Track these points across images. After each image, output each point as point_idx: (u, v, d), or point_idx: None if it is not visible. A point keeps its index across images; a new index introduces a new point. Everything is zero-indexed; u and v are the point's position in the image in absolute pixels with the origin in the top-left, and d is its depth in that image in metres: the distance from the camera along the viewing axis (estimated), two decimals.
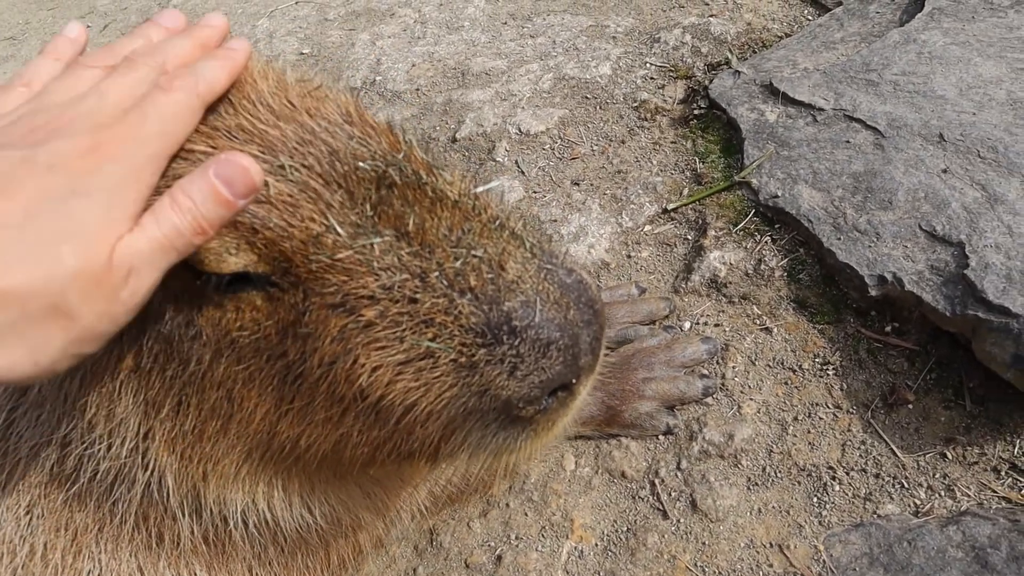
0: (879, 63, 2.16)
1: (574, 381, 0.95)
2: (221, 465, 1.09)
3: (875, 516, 1.44)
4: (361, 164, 0.92)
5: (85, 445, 1.07)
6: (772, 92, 2.22)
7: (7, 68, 4.21)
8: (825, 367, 1.67)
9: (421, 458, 1.03)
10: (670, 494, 1.55)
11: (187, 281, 0.92)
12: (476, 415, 0.94)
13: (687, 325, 1.82)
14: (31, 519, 1.20)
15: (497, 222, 0.97)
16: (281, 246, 0.89)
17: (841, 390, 1.63)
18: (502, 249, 0.93)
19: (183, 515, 1.16)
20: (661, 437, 1.64)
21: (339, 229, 0.89)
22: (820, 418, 1.60)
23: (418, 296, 0.89)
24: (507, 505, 1.61)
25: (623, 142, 2.31)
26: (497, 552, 1.54)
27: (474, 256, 0.91)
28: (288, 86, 1.00)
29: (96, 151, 0.72)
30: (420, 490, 1.46)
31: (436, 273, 0.90)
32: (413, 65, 2.94)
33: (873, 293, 1.67)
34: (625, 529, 1.53)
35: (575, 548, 1.52)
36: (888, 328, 1.68)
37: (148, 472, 1.08)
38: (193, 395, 1.01)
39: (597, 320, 0.96)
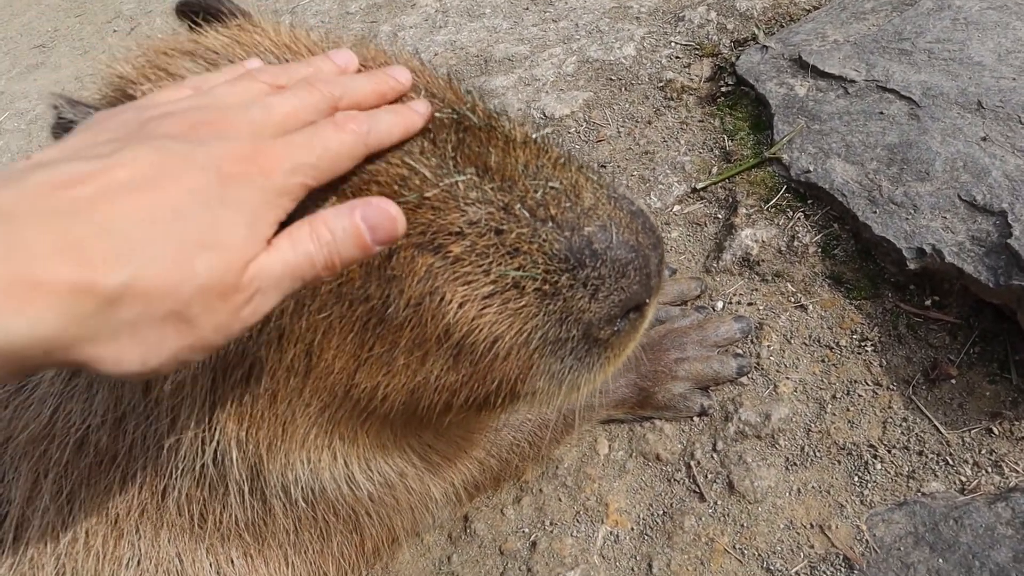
0: (912, 31, 2.10)
1: (647, 301, 1.00)
2: (291, 428, 1.09)
3: (919, 494, 1.40)
4: (438, 113, 0.95)
5: (148, 421, 1.08)
6: (801, 66, 2.16)
7: (38, 75, 4.27)
8: (863, 343, 1.62)
9: (497, 400, 1.03)
10: (706, 476, 1.52)
11: None
12: (555, 345, 0.97)
13: (720, 305, 1.78)
14: (72, 505, 1.20)
15: (564, 159, 1.01)
16: (369, 191, 0.90)
17: (880, 366, 1.58)
18: (574, 181, 0.97)
19: (237, 492, 1.16)
20: (696, 419, 1.61)
21: (426, 170, 0.92)
22: (859, 395, 1.56)
23: (503, 227, 0.92)
24: (540, 491, 1.59)
25: (649, 123, 2.27)
26: (532, 538, 1.52)
27: (551, 187, 0.95)
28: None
29: (252, 161, 0.70)
30: (466, 465, 1.45)
31: (519, 205, 0.93)
32: (435, 55, 2.93)
33: (912, 266, 1.62)
34: (661, 512, 1.50)
35: (610, 533, 1.49)
36: (928, 302, 1.62)
37: (212, 444, 1.08)
38: (269, 355, 1.01)
39: (660, 245, 1.01)
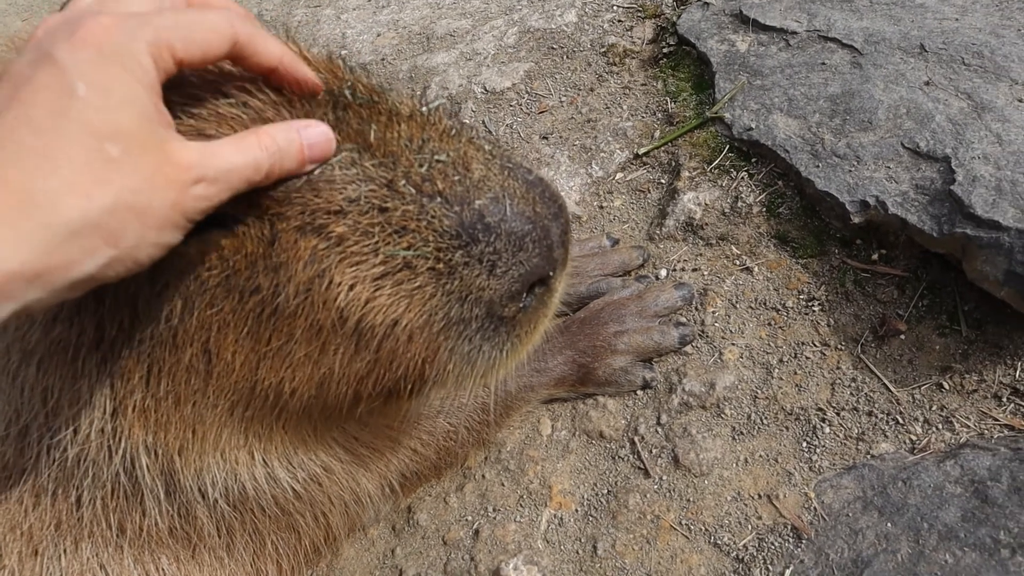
0: None
1: (551, 274, 0.96)
2: (200, 430, 1.04)
3: (869, 457, 1.34)
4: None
5: (50, 434, 1.02)
6: (742, 20, 2.09)
7: None
8: (810, 303, 1.56)
9: (407, 387, 0.99)
10: (651, 451, 1.46)
11: None
12: (459, 326, 0.93)
13: (663, 273, 1.72)
14: None
15: (453, 130, 0.98)
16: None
17: (828, 326, 1.52)
18: (463, 152, 0.93)
19: (153, 498, 1.11)
20: (639, 392, 1.55)
21: None
22: (807, 358, 1.50)
23: (387, 204, 0.88)
24: (483, 476, 1.53)
25: (592, 90, 2.20)
26: (475, 526, 1.47)
27: (438, 160, 0.91)
28: None
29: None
30: (397, 456, 1.40)
31: (403, 181, 0.89)
32: (378, 35, 2.84)
33: (856, 220, 1.56)
34: (606, 492, 1.44)
35: (554, 516, 1.44)
36: (875, 256, 1.56)
37: (120, 453, 1.03)
38: (166, 356, 0.96)
39: (563, 214, 0.98)
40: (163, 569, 1.25)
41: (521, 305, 0.95)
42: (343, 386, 0.99)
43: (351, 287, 0.90)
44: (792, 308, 1.57)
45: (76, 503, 1.13)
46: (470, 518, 1.48)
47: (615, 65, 2.24)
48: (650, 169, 1.93)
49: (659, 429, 1.48)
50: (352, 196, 0.88)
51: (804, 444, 1.39)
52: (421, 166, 0.90)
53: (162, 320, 0.94)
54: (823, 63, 1.86)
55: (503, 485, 1.51)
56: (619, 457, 1.48)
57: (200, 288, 0.92)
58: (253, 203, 0.88)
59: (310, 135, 0.84)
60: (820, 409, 1.42)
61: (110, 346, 0.96)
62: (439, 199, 0.89)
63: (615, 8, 2.43)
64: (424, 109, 0.99)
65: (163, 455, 1.06)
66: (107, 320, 0.94)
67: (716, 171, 1.82)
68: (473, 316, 0.93)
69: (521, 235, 0.91)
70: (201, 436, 1.06)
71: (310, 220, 0.88)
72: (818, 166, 1.66)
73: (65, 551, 1.17)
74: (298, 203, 0.88)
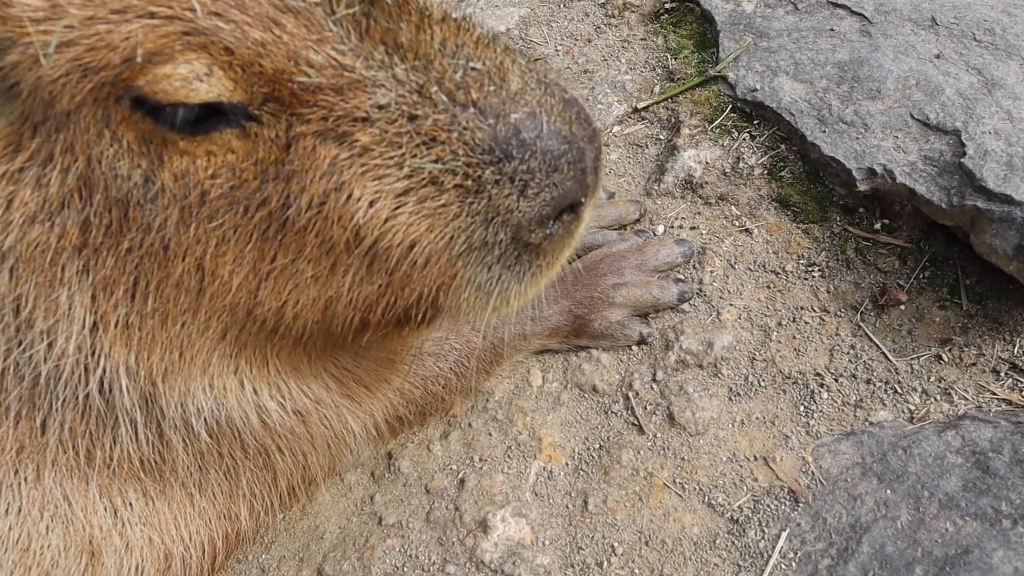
0: None
1: (582, 200, 0.91)
2: (189, 353, 0.98)
3: (867, 424, 1.33)
4: None
5: (21, 347, 0.94)
6: None
7: None
8: (810, 269, 1.54)
9: (418, 316, 0.95)
10: (645, 408, 1.42)
11: (143, 128, 0.81)
12: (480, 251, 0.89)
13: (660, 229, 1.68)
14: None
15: (487, 39, 0.91)
16: (261, 66, 0.78)
17: (828, 292, 1.50)
18: (500, 62, 0.88)
19: (129, 424, 1.03)
20: (634, 347, 1.51)
21: (327, 44, 0.80)
22: (806, 323, 1.48)
23: (418, 112, 0.82)
24: (469, 425, 1.48)
25: (589, 40, 2.14)
26: (460, 476, 1.41)
27: (473, 68, 0.85)
28: None
29: None
30: (386, 395, 1.33)
31: (435, 88, 0.83)
32: None
33: (861, 188, 1.54)
34: (598, 447, 1.40)
35: (544, 468, 1.40)
36: (877, 225, 1.55)
37: (97, 372, 0.95)
38: (155, 270, 0.89)
39: (597, 137, 0.93)
40: (130, 503, 1.18)
41: (548, 232, 0.90)
42: (350, 311, 0.94)
43: (371, 203, 0.84)
44: (791, 272, 1.55)
45: (42, 426, 1.05)
46: (455, 467, 1.43)
47: (614, 18, 2.18)
48: (649, 124, 1.88)
49: (654, 386, 1.44)
50: (381, 102, 0.82)
51: (802, 408, 1.37)
52: (455, 72, 0.84)
53: (154, 228, 0.86)
54: (831, 29, 1.83)
55: (490, 435, 1.46)
56: (612, 412, 1.44)
57: (200, 198, 0.85)
58: (270, 97, 0.81)
59: None
60: (818, 374, 1.40)
61: (94, 252, 0.89)
62: (472, 109, 0.84)
63: None
64: (456, 15, 0.92)
65: (145, 378, 0.98)
66: (93, 221, 0.87)
67: (717, 130, 1.77)
68: (497, 241, 0.88)
69: (557, 155, 0.86)
70: (188, 360, 0.99)
71: (333, 126, 0.82)
72: (824, 131, 1.63)
73: (26, 479, 1.08)
74: (322, 105, 0.81)
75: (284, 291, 0.92)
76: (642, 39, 2.09)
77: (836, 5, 1.88)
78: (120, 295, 0.92)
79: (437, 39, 0.85)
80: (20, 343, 0.95)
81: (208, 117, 0.81)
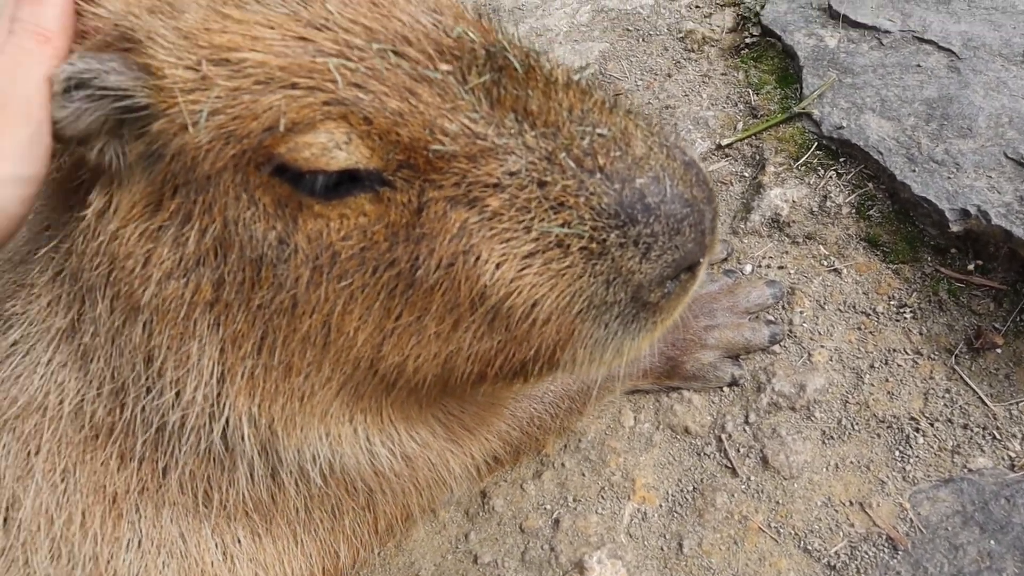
0: None
1: (700, 260, 0.92)
2: (309, 403, 1.02)
3: (965, 470, 1.32)
4: (472, 48, 0.87)
5: (150, 395, 1.00)
6: (831, 15, 2.05)
7: None
8: (902, 310, 1.54)
9: (534, 368, 0.97)
10: (738, 450, 1.44)
11: (280, 192, 0.86)
12: (599, 309, 0.91)
13: (748, 268, 1.69)
14: (67, 483, 1.12)
15: (610, 102, 0.93)
16: (398, 135, 0.82)
17: (920, 334, 1.50)
18: (624, 126, 0.90)
19: (247, 469, 1.08)
20: (726, 389, 1.53)
21: (460, 113, 0.84)
22: (899, 365, 1.47)
23: (547, 179, 0.85)
24: (562, 465, 1.51)
25: (669, 75, 2.16)
26: (554, 515, 1.45)
27: (599, 134, 0.87)
28: None
29: None
30: (488, 438, 1.37)
31: (564, 154, 0.85)
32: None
33: (954, 229, 1.53)
34: (691, 489, 1.42)
35: (638, 510, 1.42)
36: (971, 266, 1.53)
37: (221, 420, 1.00)
38: (283, 325, 0.94)
39: (715, 198, 0.95)
40: (239, 540, 1.23)
41: (666, 291, 0.92)
42: (470, 365, 0.97)
43: (498, 264, 0.87)
44: (882, 313, 1.54)
45: (163, 469, 1.10)
46: (549, 507, 1.46)
47: (693, 52, 2.20)
48: (733, 161, 1.90)
49: (747, 428, 1.46)
50: (512, 169, 0.85)
51: (897, 453, 1.37)
52: (583, 139, 0.87)
53: (285, 287, 0.91)
54: (918, 65, 1.82)
55: (583, 475, 1.48)
56: (705, 454, 1.46)
57: (331, 258, 0.89)
58: (405, 164, 0.85)
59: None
60: (913, 418, 1.40)
61: (225, 307, 0.94)
62: (599, 175, 0.86)
63: None
64: (578, 77, 0.95)
65: (266, 426, 1.03)
66: (227, 279, 0.92)
67: (803, 168, 1.78)
68: (616, 300, 0.90)
69: (679, 218, 0.87)
70: (308, 409, 1.04)
71: (465, 192, 0.85)
72: (914, 170, 1.63)
73: (146, 517, 1.14)
74: (455, 172, 0.85)
75: (407, 347, 0.95)
76: (723, 74, 2.11)
77: (922, 40, 1.87)
78: (248, 348, 0.96)
79: (564, 105, 0.88)
80: (149, 391, 1.01)
81: (344, 182, 0.85)
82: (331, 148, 0.82)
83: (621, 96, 0.96)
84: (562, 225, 0.86)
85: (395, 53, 0.84)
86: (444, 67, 0.84)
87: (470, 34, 0.87)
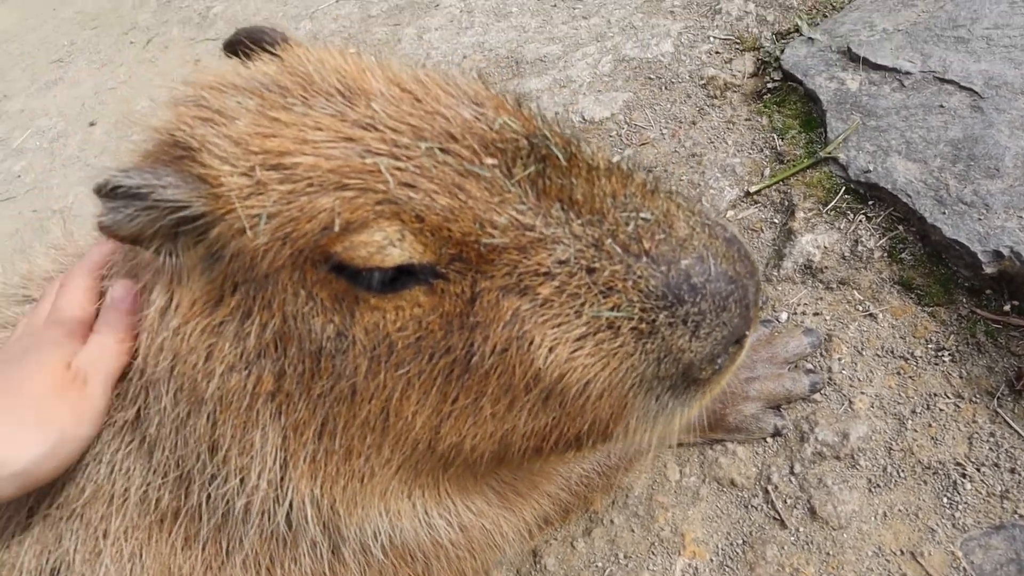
0: (967, 17, 2.01)
1: (746, 334, 0.95)
2: (370, 484, 1.05)
3: (1016, 516, 1.33)
4: (515, 140, 0.89)
5: (215, 482, 1.04)
6: (851, 58, 2.08)
7: (57, 91, 4.23)
8: (940, 353, 1.55)
9: (588, 441, 1.00)
10: (785, 501, 1.46)
11: (337, 288, 0.89)
12: (651, 383, 0.93)
13: (784, 316, 1.72)
14: (135, 565, 1.16)
15: (651, 185, 0.96)
16: (449, 231, 0.86)
17: (960, 377, 1.51)
18: (666, 209, 0.93)
19: (309, 547, 1.12)
20: (769, 440, 1.55)
21: (508, 205, 0.87)
22: (940, 409, 1.49)
23: (595, 265, 0.88)
24: (611, 521, 1.53)
25: (694, 123, 2.20)
26: (606, 572, 1.47)
27: (643, 219, 0.90)
28: (397, 71, 0.97)
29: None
30: (539, 501, 1.40)
31: (609, 240, 0.88)
32: (464, 57, 2.86)
33: (988, 270, 1.55)
34: (741, 542, 1.44)
35: (689, 565, 1.44)
36: (1007, 307, 1.55)
37: (285, 504, 1.04)
38: (343, 412, 0.97)
39: (756, 272, 0.97)
40: None
41: (717, 366, 0.94)
42: (526, 441, 1.00)
43: (551, 348, 0.90)
44: (921, 357, 1.56)
45: (227, 550, 1.14)
46: (600, 564, 1.48)
47: (716, 98, 2.23)
48: (762, 208, 1.93)
49: (793, 478, 1.47)
50: (561, 258, 0.88)
51: (945, 499, 1.38)
52: (627, 224, 0.90)
53: (344, 376, 0.94)
54: (941, 105, 1.85)
55: (633, 531, 1.51)
56: (752, 506, 1.47)
57: (388, 349, 0.92)
58: (457, 257, 0.88)
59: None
60: (959, 464, 1.41)
61: (286, 397, 0.97)
62: (645, 259, 0.89)
63: (712, 39, 2.43)
64: (618, 160, 0.98)
65: (328, 507, 1.06)
66: (287, 371, 0.95)
67: (832, 213, 1.81)
68: (668, 375, 0.92)
69: (725, 296, 0.90)
70: (369, 489, 1.07)
71: (516, 281, 0.88)
72: (944, 212, 1.65)
73: None
74: (506, 263, 0.88)
75: (464, 428, 0.98)
76: (747, 119, 2.14)
77: (944, 80, 1.89)
78: (309, 435, 1.00)
79: (608, 192, 0.91)
80: (214, 478, 1.05)
81: (399, 276, 0.88)
82: (386, 246, 0.85)
83: (661, 179, 0.99)
84: (612, 308, 0.89)
85: (442, 150, 0.88)
86: (490, 161, 0.88)
87: (512, 125, 0.91)
